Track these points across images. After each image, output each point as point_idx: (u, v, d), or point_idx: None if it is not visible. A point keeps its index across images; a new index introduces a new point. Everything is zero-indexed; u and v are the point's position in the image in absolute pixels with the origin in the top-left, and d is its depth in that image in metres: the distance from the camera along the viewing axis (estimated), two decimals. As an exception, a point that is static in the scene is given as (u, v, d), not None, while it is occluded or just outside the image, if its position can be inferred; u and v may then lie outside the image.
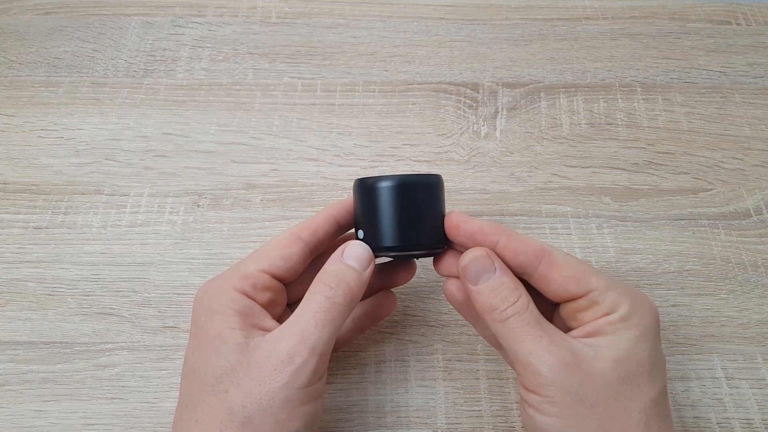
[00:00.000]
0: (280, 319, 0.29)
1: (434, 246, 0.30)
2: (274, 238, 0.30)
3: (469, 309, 0.30)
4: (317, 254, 0.31)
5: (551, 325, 0.27)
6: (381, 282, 0.33)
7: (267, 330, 0.27)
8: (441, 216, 0.30)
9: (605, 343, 0.26)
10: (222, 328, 0.27)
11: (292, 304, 0.31)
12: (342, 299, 0.27)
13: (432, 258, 0.31)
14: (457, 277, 0.30)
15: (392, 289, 0.34)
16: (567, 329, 0.28)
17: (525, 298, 0.27)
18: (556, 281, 0.27)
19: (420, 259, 0.32)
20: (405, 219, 0.29)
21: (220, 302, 0.27)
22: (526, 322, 0.26)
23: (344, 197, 0.31)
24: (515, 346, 0.26)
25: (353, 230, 0.32)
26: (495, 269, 0.27)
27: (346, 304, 0.27)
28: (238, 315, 0.27)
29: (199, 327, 0.28)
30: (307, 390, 0.26)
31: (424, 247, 0.30)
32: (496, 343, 0.32)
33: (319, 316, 0.26)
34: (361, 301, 0.31)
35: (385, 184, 0.29)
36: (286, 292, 0.30)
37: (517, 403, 0.34)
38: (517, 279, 0.28)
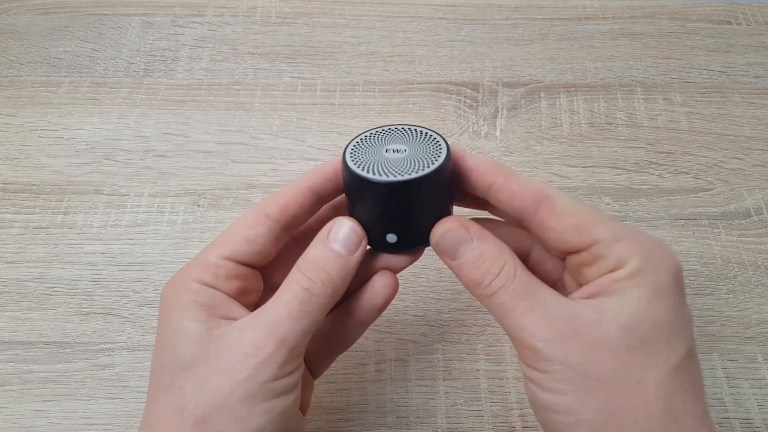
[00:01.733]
0: (256, 307, 0.25)
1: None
2: (239, 218, 0.26)
3: None
4: (294, 232, 0.27)
5: (547, 289, 0.23)
6: (377, 263, 0.28)
7: (235, 320, 0.24)
8: (448, 204, 0.26)
9: (611, 304, 0.22)
10: (181, 321, 0.24)
11: (272, 290, 0.26)
12: (321, 290, 0.24)
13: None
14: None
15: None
16: (578, 288, 0.25)
17: (510, 265, 0.23)
18: (555, 231, 0.24)
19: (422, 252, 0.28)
20: (413, 215, 0.25)
21: (180, 296, 0.24)
22: (514, 295, 0.23)
23: (324, 162, 0.27)
24: (507, 322, 0.23)
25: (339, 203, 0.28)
26: (471, 238, 0.24)
27: (326, 295, 0.24)
28: (199, 307, 0.24)
29: (160, 324, 0.25)
30: (274, 384, 0.23)
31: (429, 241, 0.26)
32: None
33: (293, 307, 0.23)
34: (358, 286, 0.28)
35: (391, 185, 0.24)
36: (263, 278, 0.27)
37: (517, 403, 0.34)
38: (501, 243, 0.24)
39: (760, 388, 0.34)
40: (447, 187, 0.25)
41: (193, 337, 0.23)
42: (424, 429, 0.33)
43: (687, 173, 0.43)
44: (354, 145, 0.26)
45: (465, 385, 0.34)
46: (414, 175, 0.24)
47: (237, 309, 0.24)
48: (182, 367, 0.23)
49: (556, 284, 0.26)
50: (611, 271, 0.23)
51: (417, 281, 0.38)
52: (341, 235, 0.25)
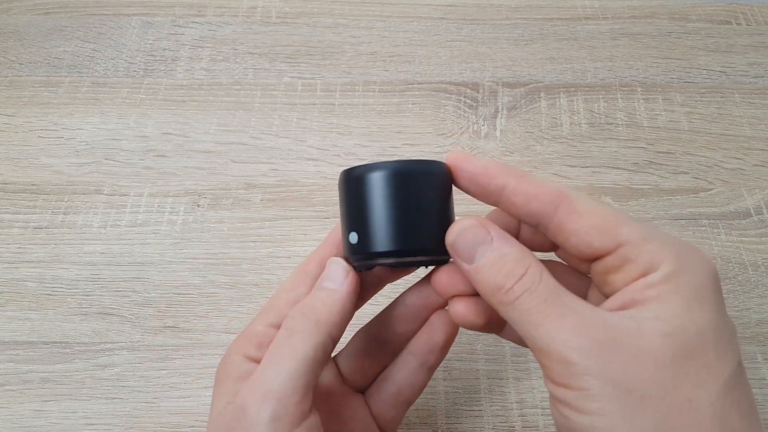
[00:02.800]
0: None
1: (442, 251, 0.23)
2: (282, 282, 0.26)
3: (487, 322, 0.24)
4: None
5: (576, 297, 0.21)
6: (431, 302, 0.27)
7: None
8: (449, 212, 0.25)
9: (648, 313, 0.20)
10: (215, 395, 0.24)
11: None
12: (302, 325, 0.23)
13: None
14: (464, 295, 0.24)
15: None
16: (604, 299, 0.22)
17: (536, 267, 0.21)
18: (576, 233, 0.21)
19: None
20: (404, 216, 0.23)
21: (222, 368, 0.24)
22: (541, 299, 0.20)
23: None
24: (532, 331, 0.20)
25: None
26: (491, 238, 0.22)
27: (309, 329, 0.23)
28: (233, 381, 0.23)
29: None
30: None
31: (429, 252, 0.24)
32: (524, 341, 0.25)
33: (273, 351, 0.22)
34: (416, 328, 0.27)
35: (377, 174, 0.23)
36: None
37: (517, 403, 0.34)
38: (523, 247, 0.22)
39: (760, 388, 0.34)
40: (443, 189, 0.24)
41: (217, 412, 0.23)
42: (424, 429, 0.33)
43: (687, 173, 0.43)
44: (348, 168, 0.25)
45: (465, 385, 0.34)
46: (395, 167, 0.23)
47: None
48: None
49: None
50: (642, 275, 0.20)
51: (417, 281, 0.37)
52: (328, 272, 0.25)
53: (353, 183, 0.24)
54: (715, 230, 0.40)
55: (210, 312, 0.36)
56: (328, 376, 0.27)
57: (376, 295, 0.28)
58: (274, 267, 0.38)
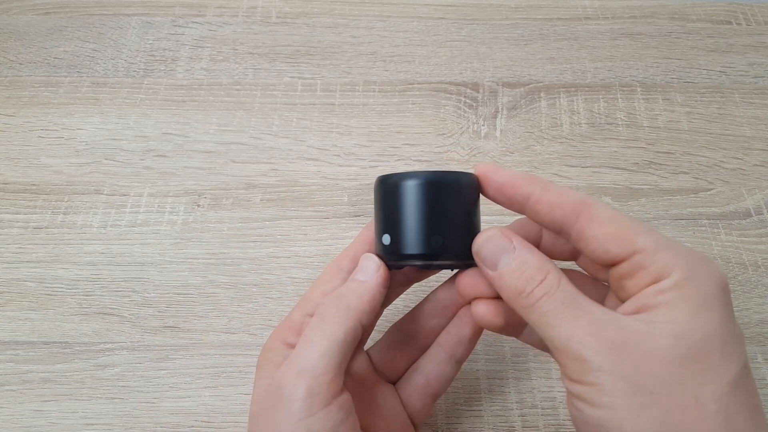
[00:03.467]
0: None
1: (467, 256, 0.25)
2: (318, 276, 0.28)
3: (506, 324, 0.26)
4: None
5: (592, 301, 0.23)
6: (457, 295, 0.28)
7: None
8: (476, 220, 0.26)
9: (659, 317, 0.21)
10: (257, 379, 0.26)
11: (363, 342, 0.29)
12: (332, 311, 0.25)
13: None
14: (486, 298, 0.26)
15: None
16: (620, 305, 0.24)
17: (555, 274, 0.23)
18: (595, 240, 0.23)
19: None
20: (434, 222, 0.25)
21: (263, 355, 0.26)
22: (559, 302, 0.22)
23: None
24: (551, 332, 0.22)
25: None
26: (514, 247, 0.24)
27: (338, 314, 0.25)
28: (273, 365, 0.25)
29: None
30: (308, 422, 0.23)
31: (456, 257, 0.26)
32: (542, 345, 0.27)
33: (306, 335, 0.24)
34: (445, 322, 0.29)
35: (411, 182, 0.25)
36: None
37: (517, 403, 0.34)
38: (543, 255, 0.24)
39: (760, 389, 0.34)
40: (471, 199, 0.26)
41: (258, 393, 0.25)
42: (424, 429, 0.33)
43: (687, 173, 0.43)
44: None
45: (465, 385, 0.34)
46: (428, 177, 0.25)
47: None
48: (250, 424, 0.25)
49: None
50: (654, 282, 0.22)
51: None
52: (360, 267, 0.27)
53: (389, 190, 0.26)
54: (715, 230, 0.40)
55: (210, 312, 0.36)
56: (361, 366, 0.29)
57: (407, 296, 0.30)
58: (274, 267, 0.38)
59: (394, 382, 0.30)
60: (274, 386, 0.24)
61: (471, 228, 0.26)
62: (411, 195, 0.25)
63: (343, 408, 0.23)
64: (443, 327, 0.29)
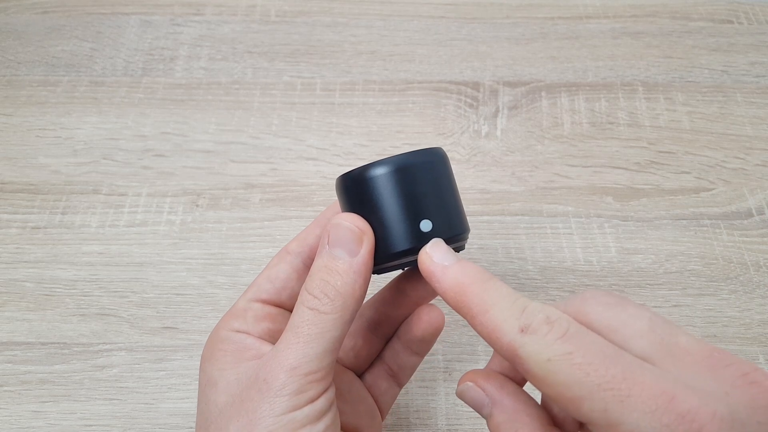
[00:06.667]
0: None
1: (458, 235, 0.23)
2: (267, 264, 0.27)
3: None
4: None
5: None
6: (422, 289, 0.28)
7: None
8: (455, 197, 0.24)
9: None
10: (212, 372, 0.24)
11: None
12: (330, 307, 0.23)
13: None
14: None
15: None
16: None
17: (532, 426, 0.21)
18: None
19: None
20: (412, 212, 0.23)
21: (211, 347, 0.25)
22: None
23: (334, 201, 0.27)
24: None
25: None
26: (487, 402, 0.22)
27: (335, 311, 0.23)
28: (228, 355, 0.24)
29: (199, 375, 0.25)
30: (294, 415, 0.22)
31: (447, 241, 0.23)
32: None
33: (301, 331, 0.22)
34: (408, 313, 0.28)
35: (376, 173, 0.23)
36: None
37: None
38: (517, 407, 0.22)
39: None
40: (443, 176, 0.24)
41: (222, 386, 0.23)
42: (424, 430, 0.33)
43: (689, 173, 0.42)
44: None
45: (465, 386, 0.34)
46: (393, 162, 0.23)
47: (265, 348, 0.24)
48: (215, 416, 0.23)
49: None
50: None
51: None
52: (340, 235, 0.23)
53: (359, 186, 0.24)
54: (717, 230, 0.40)
55: (209, 313, 0.36)
56: None
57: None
58: (274, 267, 0.38)
59: (355, 369, 0.29)
60: (256, 379, 0.22)
61: (455, 205, 0.24)
62: (388, 185, 0.23)
63: (328, 400, 0.23)
64: (406, 316, 0.28)
